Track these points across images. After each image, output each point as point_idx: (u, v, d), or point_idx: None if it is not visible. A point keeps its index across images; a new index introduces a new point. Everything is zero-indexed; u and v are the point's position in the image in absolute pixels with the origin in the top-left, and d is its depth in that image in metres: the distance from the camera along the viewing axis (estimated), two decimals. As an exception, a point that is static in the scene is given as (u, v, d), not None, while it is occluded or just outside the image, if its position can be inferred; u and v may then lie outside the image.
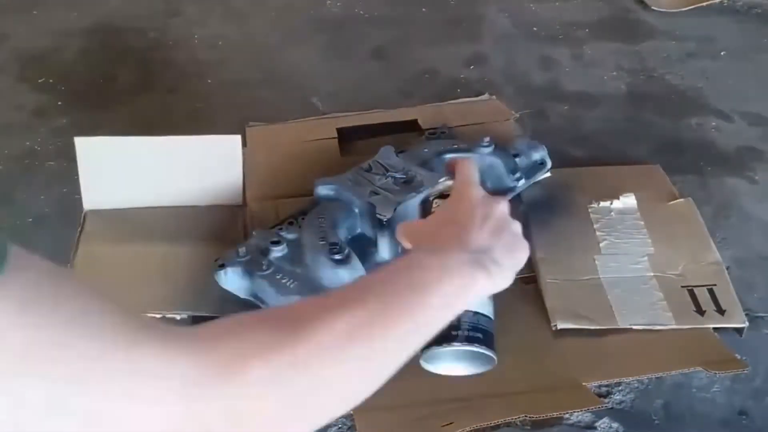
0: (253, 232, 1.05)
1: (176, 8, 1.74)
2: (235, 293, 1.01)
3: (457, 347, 0.76)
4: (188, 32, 1.66)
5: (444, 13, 1.73)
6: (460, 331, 0.77)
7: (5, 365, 0.41)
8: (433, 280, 0.60)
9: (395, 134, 1.31)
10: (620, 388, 0.96)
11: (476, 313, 0.77)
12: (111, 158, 1.15)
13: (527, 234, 1.09)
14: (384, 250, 1.02)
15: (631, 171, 1.24)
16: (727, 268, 1.06)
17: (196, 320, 1.01)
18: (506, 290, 1.04)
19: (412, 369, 0.93)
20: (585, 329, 0.99)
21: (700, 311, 1.00)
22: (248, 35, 1.66)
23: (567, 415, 0.93)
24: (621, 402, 0.95)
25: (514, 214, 0.74)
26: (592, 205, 1.15)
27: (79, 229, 1.12)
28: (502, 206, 0.72)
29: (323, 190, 1.09)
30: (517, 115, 1.38)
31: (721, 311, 1.00)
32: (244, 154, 1.19)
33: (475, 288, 0.63)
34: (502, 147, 1.17)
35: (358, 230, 1.07)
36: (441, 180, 0.81)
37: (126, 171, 1.16)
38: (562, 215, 1.14)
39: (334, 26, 1.69)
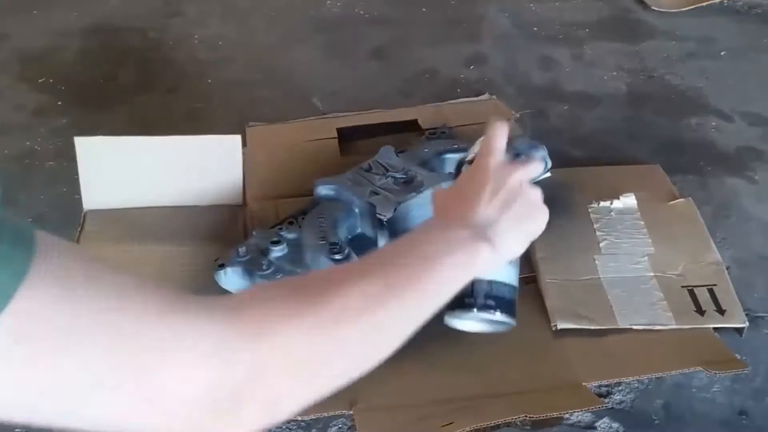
0: (253, 232, 1.05)
1: (176, 8, 1.74)
2: (235, 293, 1.01)
3: (472, 314, 0.78)
4: (188, 32, 1.67)
5: (444, 13, 1.73)
6: (473, 299, 0.79)
7: (48, 343, 0.42)
8: (439, 253, 0.63)
9: (395, 134, 1.31)
10: (620, 388, 0.96)
11: (491, 281, 0.79)
12: (111, 158, 1.15)
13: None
14: (384, 250, 1.02)
15: (631, 171, 1.24)
16: (727, 268, 1.06)
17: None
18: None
19: (412, 369, 0.93)
20: (585, 329, 0.99)
21: (700, 311, 1.00)
22: (248, 35, 1.67)
23: (567, 415, 0.93)
24: (621, 402, 0.95)
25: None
26: (592, 205, 1.15)
27: (79, 228, 1.12)
28: (518, 175, 0.72)
29: (323, 189, 1.09)
30: (518, 115, 1.38)
31: (721, 311, 1.00)
32: (244, 154, 1.19)
33: (478, 261, 0.66)
34: (502, 147, 1.17)
35: (359, 230, 1.07)
36: (479, 140, 0.81)
37: (126, 171, 1.16)
38: (562, 215, 1.14)
39: (334, 26, 1.69)
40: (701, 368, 0.94)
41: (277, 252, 1.01)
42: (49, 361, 0.42)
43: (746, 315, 1.00)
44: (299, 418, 0.91)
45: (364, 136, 1.32)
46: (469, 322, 0.83)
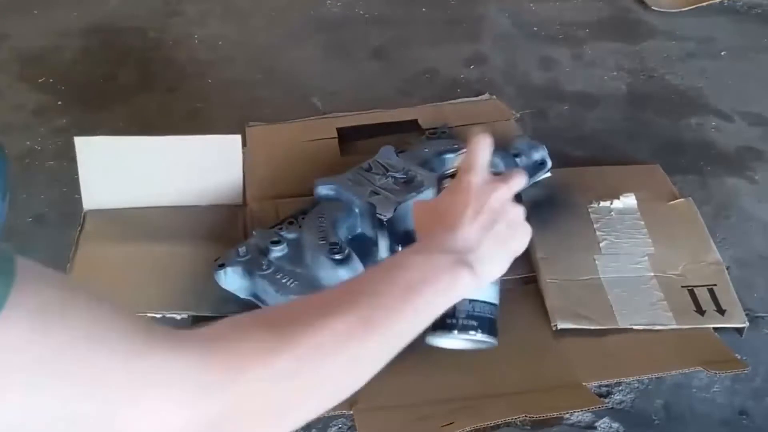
0: (253, 232, 1.05)
1: (176, 8, 1.74)
2: (235, 293, 1.01)
3: (454, 336, 0.78)
4: (188, 32, 1.66)
5: (444, 13, 1.73)
6: (455, 320, 0.78)
7: (19, 377, 0.41)
8: (420, 281, 0.62)
9: (395, 134, 1.31)
10: (620, 388, 0.96)
11: (472, 300, 0.77)
12: (111, 158, 1.15)
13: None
14: (384, 249, 1.02)
15: (631, 171, 1.24)
16: (727, 268, 1.06)
17: (196, 320, 1.01)
18: (506, 290, 1.05)
19: (412, 369, 0.93)
20: (585, 329, 0.99)
21: (701, 311, 1.00)
22: (248, 35, 1.66)
23: (567, 415, 0.93)
24: (621, 402, 0.95)
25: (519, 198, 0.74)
26: (593, 205, 1.15)
27: (79, 228, 1.12)
28: (500, 194, 0.70)
29: (323, 189, 1.09)
30: (518, 115, 1.38)
31: (721, 311, 1.00)
32: (244, 153, 1.19)
33: (458, 287, 0.65)
34: (502, 147, 1.17)
35: (359, 230, 1.07)
36: (460, 152, 0.80)
37: (126, 171, 1.16)
38: (562, 215, 1.14)
39: (334, 26, 1.69)
40: (701, 368, 0.94)
41: (277, 252, 1.01)
42: (19, 396, 0.41)
43: (746, 315, 1.00)
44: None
45: (364, 136, 1.32)
46: (451, 341, 0.82)
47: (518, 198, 0.76)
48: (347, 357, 0.55)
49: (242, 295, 1.01)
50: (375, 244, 1.03)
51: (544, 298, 1.02)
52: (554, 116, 1.42)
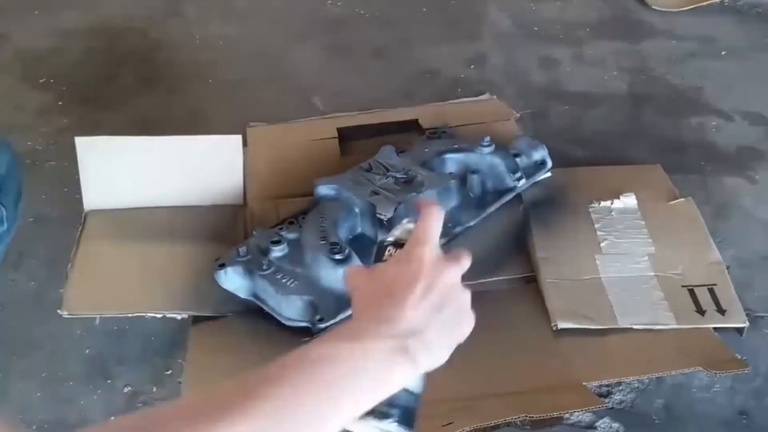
0: (254, 232, 1.06)
1: (177, 8, 1.74)
2: (235, 293, 1.01)
3: (367, 421, 0.65)
4: (189, 32, 1.67)
5: (444, 13, 1.73)
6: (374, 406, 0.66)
7: None
8: (345, 377, 0.53)
9: (395, 134, 1.31)
10: (621, 387, 0.96)
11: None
12: (111, 158, 1.15)
13: (527, 234, 1.11)
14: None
15: (631, 171, 1.24)
16: (728, 268, 1.06)
17: (196, 320, 1.01)
18: (507, 290, 1.06)
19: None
20: (585, 329, 0.99)
21: (701, 311, 1.00)
22: (249, 35, 1.67)
23: (567, 415, 0.93)
24: (621, 402, 0.95)
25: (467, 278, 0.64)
26: (593, 205, 1.15)
27: (80, 228, 1.12)
28: (452, 273, 0.62)
29: (324, 189, 1.09)
30: (518, 115, 1.38)
31: (721, 311, 1.00)
32: (244, 154, 1.19)
33: (394, 379, 0.56)
34: (502, 147, 1.17)
35: (359, 230, 1.07)
36: (405, 221, 0.71)
37: (126, 171, 1.16)
38: (562, 215, 1.14)
39: (334, 26, 1.69)
40: (701, 368, 0.93)
41: (278, 252, 1.01)
42: None
43: (746, 315, 1.00)
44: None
45: (364, 136, 1.32)
46: (363, 426, 0.76)
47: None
48: None
49: (242, 295, 1.01)
50: (375, 244, 1.03)
51: (544, 298, 1.02)
52: (554, 116, 1.42)
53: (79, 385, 0.98)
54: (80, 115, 1.42)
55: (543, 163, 1.18)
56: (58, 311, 1.00)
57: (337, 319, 0.94)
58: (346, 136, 1.31)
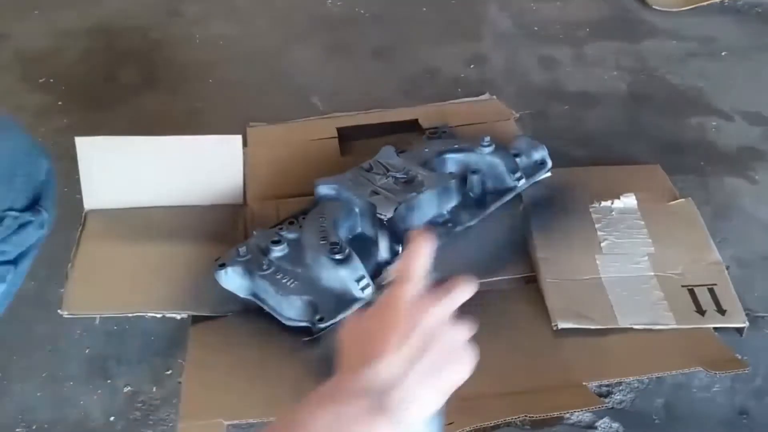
0: (254, 232, 1.05)
1: (177, 8, 1.74)
2: (235, 293, 1.01)
3: None
4: (189, 32, 1.67)
5: (444, 13, 1.73)
6: None
7: None
8: None
9: (396, 134, 1.31)
10: (621, 387, 0.96)
11: None
12: (111, 158, 1.15)
13: (527, 234, 1.11)
14: (384, 249, 1.02)
15: (631, 171, 1.24)
16: (727, 268, 1.06)
17: (195, 320, 1.01)
18: (507, 290, 1.06)
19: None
20: (585, 329, 0.99)
21: (701, 311, 1.00)
22: (249, 35, 1.67)
23: (567, 415, 0.93)
24: (621, 402, 0.95)
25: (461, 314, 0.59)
26: (593, 205, 1.15)
27: (80, 228, 1.12)
28: (437, 311, 0.57)
29: (324, 189, 1.09)
30: (518, 115, 1.38)
31: (721, 311, 1.00)
32: (244, 154, 1.19)
33: None
34: (502, 147, 1.17)
35: (359, 230, 1.07)
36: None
37: (126, 171, 1.16)
38: (562, 215, 1.14)
39: (334, 26, 1.69)
40: (701, 368, 0.93)
41: (278, 252, 1.01)
42: None
43: (746, 315, 1.00)
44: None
45: (364, 136, 1.32)
46: None
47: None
48: None
49: (242, 295, 1.01)
50: (375, 244, 1.03)
51: (544, 298, 1.02)
52: (554, 116, 1.42)
53: (79, 385, 0.99)
54: (80, 115, 1.42)
55: (543, 163, 1.18)
56: (58, 311, 1.00)
57: (337, 318, 0.94)
58: (346, 136, 1.31)
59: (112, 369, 1.00)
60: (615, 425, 0.93)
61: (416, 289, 0.58)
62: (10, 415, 0.95)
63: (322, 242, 0.99)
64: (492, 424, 0.89)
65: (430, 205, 1.08)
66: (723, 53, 1.59)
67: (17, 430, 0.94)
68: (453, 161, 1.16)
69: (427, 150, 1.18)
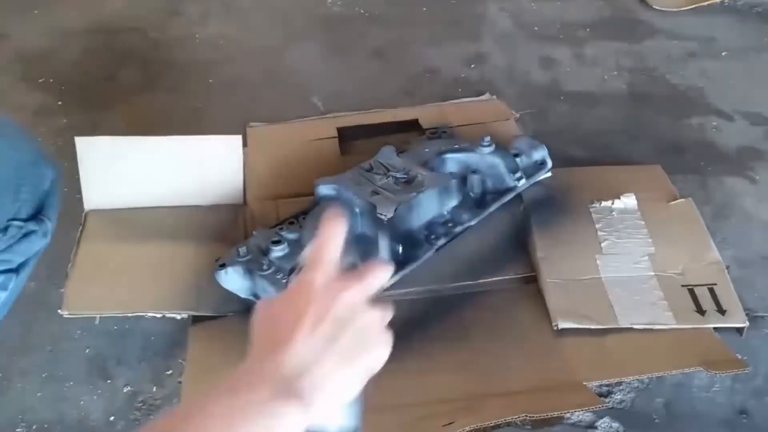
0: (254, 232, 1.06)
1: (177, 8, 1.74)
2: (235, 293, 1.01)
3: None
4: (189, 32, 1.67)
5: (445, 13, 1.73)
6: None
7: None
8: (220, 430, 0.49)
9: (396, 134, 1.31)
10: (621, 387, 0.96)
11: None
12: (111, 158, 1.15)
13: (527, 234, 1.11)
14: (384, 249, 1.02)
15: (631, 171, 1.24)
16: (727, 268, 1.06)
17: (196, 320, 1.01)
18: (507, 290, 1.06)
19: (412, 369, 0.93)
20: (586, 329, 0.99)
21: (701, 311, 1.00)
22: (249, 35, 1.67)
23: (567, 415, 0.93)
24: (621, 401, 0.95)
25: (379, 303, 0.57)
26: (593, 205, 1.15)
27: (80, 228, 1.12)
28: (350, 294, 0.55)
29: (324, 189, 1.09)
30: (518, 115, 1.38)
31: (721, 311, 1.00)
32: (244, 154, 1.19)
33: (284, 427, 0.50)
34: (502, 147, 1.17)
35: (359, 230, 1.07)
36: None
37: (126, 171, 1.16)
38: (563, 215, 1.14)
39: (334, 25, 1.69)
40: (701, 368, 0.93)
41: (278, 252, 1.01)
42: None
43: (746, 315, 1.00)
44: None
45: (364, 136, 1.32)
46: None
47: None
48: None
49: (243, 295, 1.01)
50: (375, 243, 1.03)
51: (544, 297, 1.02)
52: (554, 116, 1.42)
53: (79, 385, 0.98)
54: (80, 115, 1.42)
55: (543, 163, 1.18)
56: (58, 311, 1.00)
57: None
58: (346, 136, 1.31)
59: (112, 369, 1.00)
60: (615, 425, 0.93)
61: (328, 274, 0.56)
62: (10, 415, 0.95)
63: (322, 242, 0.99)
64: (492, 424, 0.89)
65: (430, 205, 1.08)
66: (723, 53, 1.59)
67: (17, 430, 0.94)
68: (453, 161, 1.16)
69: (427, 150, 1.18)
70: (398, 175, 1.10)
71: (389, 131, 1.32)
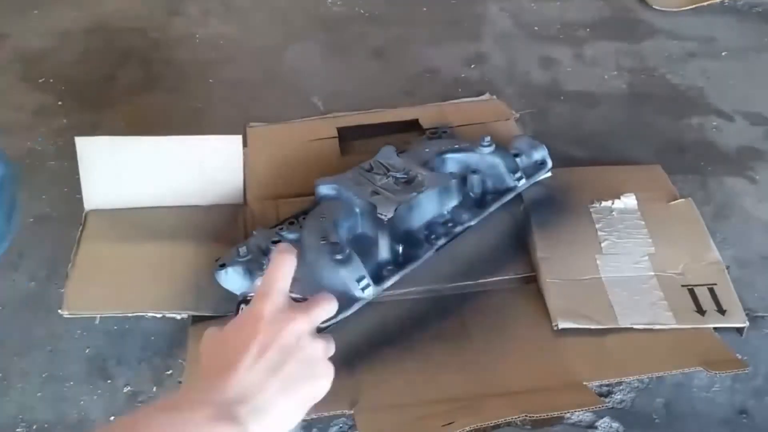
0: (254, 232, 1.06)
1: (177, 8, 1.74)
2: (235, 293, 1.01)
3: None
4: (189, 32, 1.67)
5: (445, 13, 1.73)
6: None
7: None
8: None
9: (396, 134, 1.31)
10: (621, 387, 0.96)
11: None
12: (111, 158, 1.15)
13: (527, 234, 1.11)
14: (384, 249, 1.02)
15: (631, 171, 1.25)
16: (727, 268, 1.06)
17: (195, 320, 1.01)
18: (507, 290, 1.06)
19: (412, 369, 0.94)
20: (586, 329, 0.99)
21: (701, 311, 1.00)
22: (249, 35, 1.67)
23: (567, 415, 0.93)
24: (621, 401, 0.95)
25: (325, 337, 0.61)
26: (593, 205, 1.15)
27: (81, 228, 1.12)
28: (297, 326, 0.58)
29: (324, 189, 1.09)
30: (518, 115, 1.38)
31: (721, 311, 1.00)
32: (244, 154, 1.19)
33: None
34: (502, 147, 1.17)
35: (359, 230, 1.07)
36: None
37: (126, 171, 1.16)
38: (563, 215, 1.14)
39: (334, 25, 1.69)
40: (701, 368, 0.93)
41: (278, 252, 1.01)
42: None
43: (746, 315, 1.00)
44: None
45: (364, 136, 1.32)
46: None
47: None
48: None
49: (243, 295, 1.01)
50: (375, 244, 1.03)
51: (544, 297, 1.02)
52: (554, 116, 1.42)
53: (79, 385, 0.98)
54: (80, 115, 1.42)
55: (543, 163, 1.18)
56: (59, 311, 1.00)
57: (338, 318, 0.94)
58: (346, 136, 1.31)
59: (112, 369, 1.00)
60: (615, 425, 0.93)
61: (277, 304, 0.59)
62: (10, 415, 0.95)
63: (322, 242, 0.99)
64: (492, 424, 0.89)
65: (430, 205, 1.08)
66: (723, 53, 1.59)
67: (17, 430, 0.94)
68: (453, 161, 1.16)
69: (427, 150, 1.17)
70: (398, 175, 1.10)
71: (389, 131, 1.32)
